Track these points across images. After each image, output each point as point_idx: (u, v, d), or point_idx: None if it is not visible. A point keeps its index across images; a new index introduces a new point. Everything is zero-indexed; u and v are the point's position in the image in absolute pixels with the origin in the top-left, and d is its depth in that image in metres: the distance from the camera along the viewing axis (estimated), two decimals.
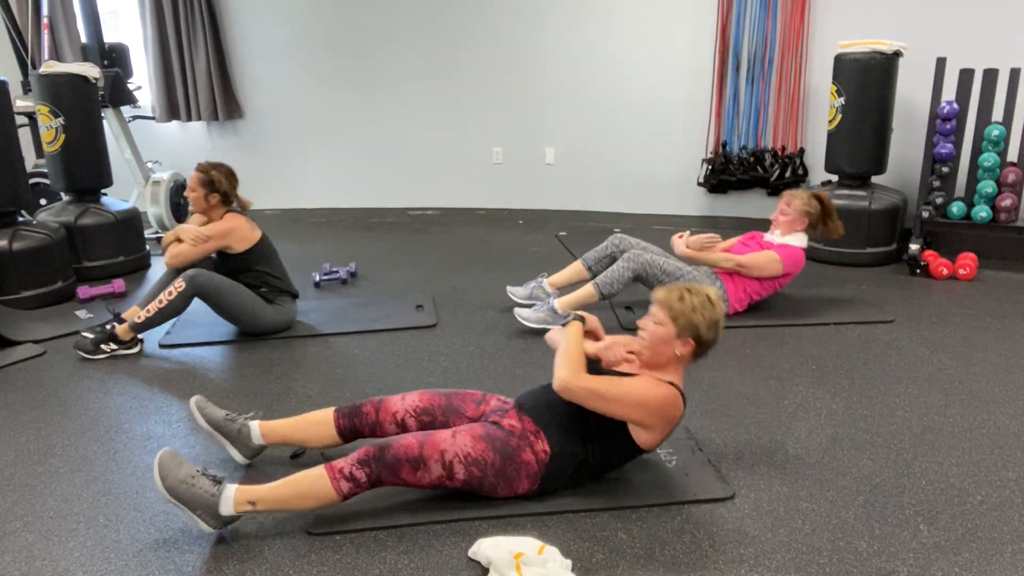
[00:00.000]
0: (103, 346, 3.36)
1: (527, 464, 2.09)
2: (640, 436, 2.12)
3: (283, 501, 1.99)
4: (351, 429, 2.29)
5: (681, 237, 3.72)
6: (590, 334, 2.32)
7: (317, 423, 2.31)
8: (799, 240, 3.71)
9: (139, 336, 3.43)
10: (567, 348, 2.15)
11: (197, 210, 3.56)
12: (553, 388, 2.09)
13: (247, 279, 3.55)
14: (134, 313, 3.46)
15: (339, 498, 1.99)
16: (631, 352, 2.23)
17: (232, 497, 1.96)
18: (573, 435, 2.13)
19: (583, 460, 2.14)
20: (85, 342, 3.35)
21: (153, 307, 3.32)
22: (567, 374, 2.07)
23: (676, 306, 2.09)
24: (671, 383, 2.12)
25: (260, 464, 2.38)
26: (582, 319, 2.29)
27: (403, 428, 2.27)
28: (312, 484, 1.98)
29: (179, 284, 3.31)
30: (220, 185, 3.51)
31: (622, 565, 1.89)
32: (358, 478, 1.98)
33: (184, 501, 1.94)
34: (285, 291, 3.65)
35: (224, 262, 3.57)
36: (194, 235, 3.45)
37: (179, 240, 3.50)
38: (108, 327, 3.39)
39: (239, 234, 3.51)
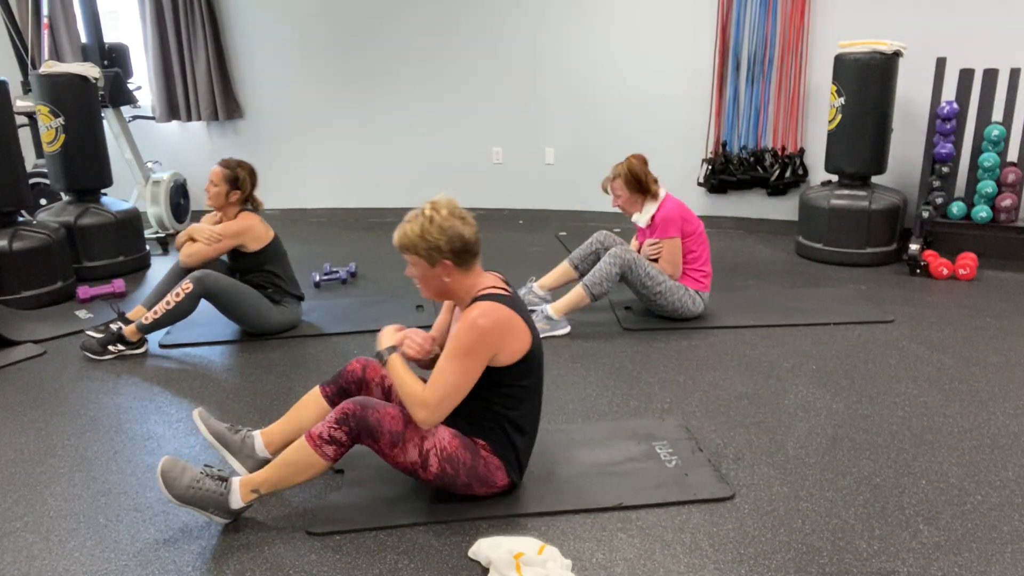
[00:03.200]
0: (110, 347, 3.36)
1: (489, 458, 2.11)
2: (504, 362, 2.05)
3: (281, 480, 2.03)
4: (338, 392, 2.29)
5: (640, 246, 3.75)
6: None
7: (307, 404, 2.30)
8: (653, 205, 3.59)
9: (145, 337, 3.43)
10: (402, 386, 2.03)
11: (214, 206, 3.53)
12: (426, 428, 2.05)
13: (257, 279, 3.56)
14: (140, 313, 3.46)
15: (328, 462, 2.00)
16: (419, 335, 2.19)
17: (238, 490, 2.02)
18: (482, 419, 2.13)
19: (509, 423, 2.12)
20: (92, 343, 3.35)
21: (161, 308, 3.31)
22: (421, 416, 2.00)
23: (408, 242, 2.04)
24: (474, 301, 2.06)
25: None
26: (394, 348, 2.14)
27: (387, 395, 2.28)
28: (299, 457, 2.00)
29: (187, 285, 3.30)
30: (243, 184, 3.52)
31: (622, 565, 1.89)
32: (338, 438, 1.99)
33: (194, 504, 2.00)
34: (291, 293, 3.66)
35: (236, 261, 3.58)
36: (208, 235, 3.46)
37: (192, 240, 3.50)
38: (115, 328, 3.39)
39: (253, 233, 3.52)
